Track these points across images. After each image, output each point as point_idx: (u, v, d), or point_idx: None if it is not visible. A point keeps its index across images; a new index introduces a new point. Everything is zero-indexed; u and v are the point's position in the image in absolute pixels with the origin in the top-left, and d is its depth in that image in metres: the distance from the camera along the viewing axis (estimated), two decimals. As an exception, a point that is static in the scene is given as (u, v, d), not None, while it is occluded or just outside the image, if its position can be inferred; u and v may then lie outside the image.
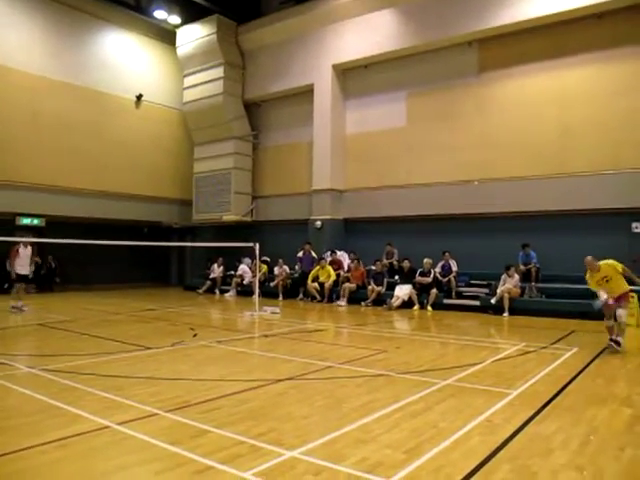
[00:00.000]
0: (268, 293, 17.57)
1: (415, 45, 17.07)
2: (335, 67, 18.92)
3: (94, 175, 20.08)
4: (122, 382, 6.15)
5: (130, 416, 4.81)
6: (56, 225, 18.97)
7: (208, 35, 20.83)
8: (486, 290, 14.61)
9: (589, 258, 8.48)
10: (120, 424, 4.57)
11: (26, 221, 19.14)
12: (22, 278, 13.91)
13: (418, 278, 15.15)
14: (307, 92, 19.67)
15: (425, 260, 15.26)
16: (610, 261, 8.36)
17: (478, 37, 16.16)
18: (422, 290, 14.98)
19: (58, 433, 4.36)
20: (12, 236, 15.86)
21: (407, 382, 6.26)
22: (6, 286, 15.45)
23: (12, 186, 17.89)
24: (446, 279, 15.11)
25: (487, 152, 16.00)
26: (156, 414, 4.89)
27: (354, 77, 19.08)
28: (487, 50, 16.25)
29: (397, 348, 8.63)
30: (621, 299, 8.29)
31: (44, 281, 20.40)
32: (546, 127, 15.15)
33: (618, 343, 8.17)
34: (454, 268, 15.26)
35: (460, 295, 15.06)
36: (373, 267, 16.31)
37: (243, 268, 19.52)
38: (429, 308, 14.64)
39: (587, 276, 8.55)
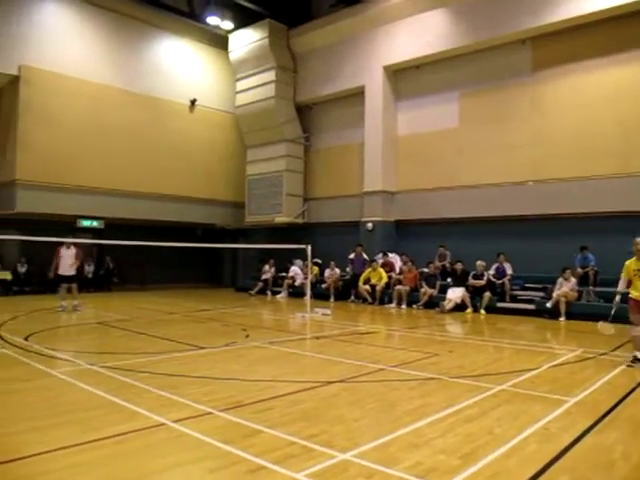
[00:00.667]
0: (319, 295, 17.62)
1: (467, 45, 16.82)
2: (386, 68, 18.83)
3: (150, 178, 20.58)
4: (177, 381, 6.27)
5: (185, 414, 4.91)
6: (114, 227, 19.60)
7: (260, 39, 21.08)
8: (541, 294, 14.23)
9: None
10: (175, 422, 4.67)
11: (86, 223, 19.80)
12: (65, 279, 13.97)
13: (471, 281, 14.89)
14: (358, 94, 19.64)
15: (478, 262, 14.99)
16: None
17: (532, 35, 15.77)
18: (475, 293, 14.71)
19: (116, 429, 4.48)
20: (74, 238, 16.46)
21: (461, 386, 6.16)
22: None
23: (73, 189, 18.54)
24: (500, 282, 14.79)
25: (542, 152, 15.61)
26: (210, 413, 4.97)
27: (405, 78, 18.95)
28: (541, 48, 15.84)
29: (450, 352, 8.51)
30: None
31: (102, 281, 21.10)
32: (605, 125, 14.64)
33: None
34: (508, 271, 14.92)
35: (514, 298, 14.71)
36: (425, 269, 16.15)
37: (295, 270, 19.66)
38: (482, 311, 14.37)
39: (627, 262, 7.78)
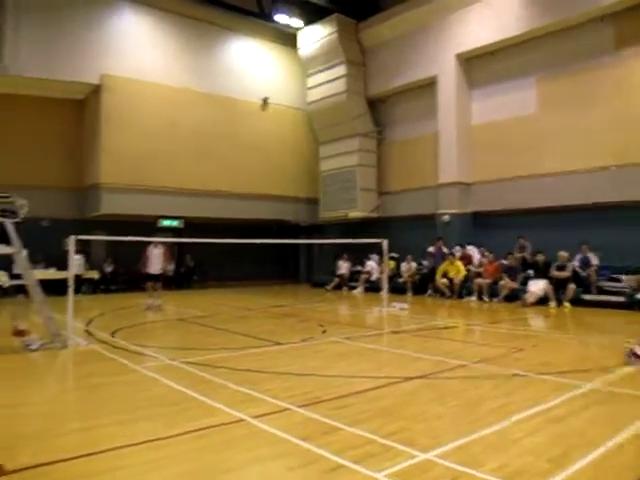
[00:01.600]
0: (396, 289, 17.40)
1: (542, 26, 16.01)
2: (459, 56, 18.32)
3: (227, 177, 21.00)
4: (255, 376, 6.33)
5: (264, 410, 4.91)
6: (193, 226, 20.14)
7: (329, 35, 21.03)
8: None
9: None
10: (254, 417, 4.68)
11: (166, 223, 20.46)
12: (151, 277, 14.35)
13: (554, 272, 14.24)
14: (431, 84, 19.23)
15: (560, 253, 14.29)
16: None
17: (613, 10, 14.80)
18: (558, 285, 14.06)
19: (197, 423, 4.54)
20: (155, 237, 17.00)
21: (547, 384, 5.87)
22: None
23: (153, 190, 19.20)
24: (585, 273, 14.06)
25: (627, 135, 14.64)
26: (288, 409, 4.96)
27: (479, 65, 18.36)
28: (623, 24, 14.80)
29: (534, 347, 8.14)
30: None
31: (183, 279, 21.74)
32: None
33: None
34: (594, 261, 14.16)
35: (601, 290, 13.93)
36: (504, 261, 15.61)
37: (371, 264, 19.54)
38: (567, 304, 13.69)
39: None
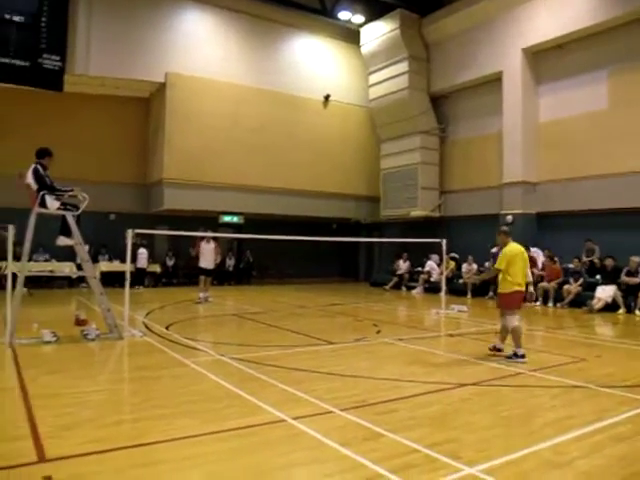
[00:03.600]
0: (456, 290, 16.99)
1: (617, 16, 15.12)
2: (525, 51, 17.61)
3: (287, 174, 21.03)
4: (302, 376, 6.21)
5: (306, 411, 4.79)
6: (253, 222, 20.27)
7: (391, 31, 20.68)
8: None
9: (502, 228, 8.25)
10: (295, 419, 4.56)
11: (227, 219, 20.70)
12: (205, 272, 14.67)
13: (624, 278, 13.47)
14: (496, 80, 18.61)
15: (632, 258, 13.51)
16: (516, 247, 7.86)
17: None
18: (629, 292, 13.29)
19: (237, 422, 4.48)
20: (216, 232, 17.27)
21: (611, 398, 5.46)
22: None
23: (215, 187, 19.44)
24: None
25: None
26: (331, 412, 4.81)
27: (547, 59, 17.60)
28: None
29: (598, 357, 7.65)
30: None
31: (242, 274, 21.96)
32: None
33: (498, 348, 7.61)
34: (669, 267, 13.32)
35: (677, 298, 13.09)
36: (571, 265, 14.90)
37: (431, 264, 19.15)
38: (637, 312, 12.93)
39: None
